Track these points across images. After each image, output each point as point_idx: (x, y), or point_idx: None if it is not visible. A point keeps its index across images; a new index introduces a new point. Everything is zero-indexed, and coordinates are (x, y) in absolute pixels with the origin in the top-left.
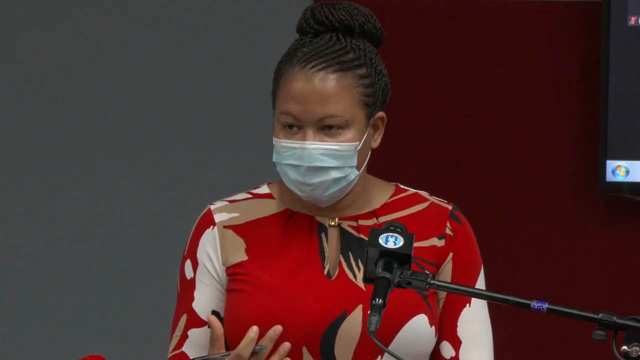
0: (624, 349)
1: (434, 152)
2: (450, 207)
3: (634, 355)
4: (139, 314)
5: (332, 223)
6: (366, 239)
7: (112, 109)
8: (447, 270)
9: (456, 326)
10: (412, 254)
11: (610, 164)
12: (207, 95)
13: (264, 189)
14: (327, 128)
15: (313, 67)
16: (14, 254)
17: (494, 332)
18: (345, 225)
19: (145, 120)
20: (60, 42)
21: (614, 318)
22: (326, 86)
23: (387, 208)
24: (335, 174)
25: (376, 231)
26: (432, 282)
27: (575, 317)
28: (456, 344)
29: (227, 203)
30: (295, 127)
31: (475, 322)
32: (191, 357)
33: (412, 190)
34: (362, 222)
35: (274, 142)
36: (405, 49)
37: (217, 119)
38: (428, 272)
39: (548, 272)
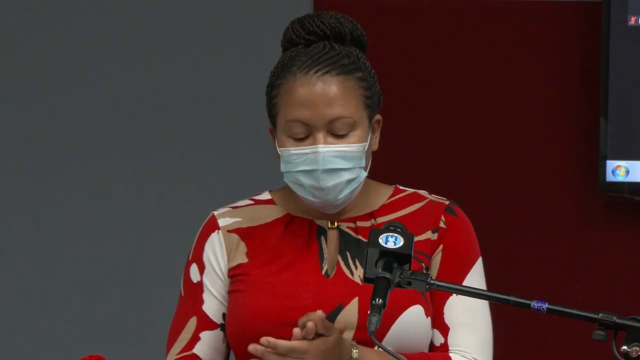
0: (624, 349)
1: (434, 152)
2: (447, 202)
3: (634, 355)
4: (139, 314)
5: (331, 226)
6: (364, 240)
7: (113, 111)
8: (436, 262)
9: (442, 313)
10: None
11: (610, 164)
12: (209, 99)
13: (265, 196)
14: (335, 131)
15: (316, 72)
16: (15, 254)
17: (494, 332)
18: (344, 227)
19: (149, 123)
20: (60, 43)
21: (614, 318)
22: (331, 89)
23: (385, 209)
24: (347, 176)
25: (376, 231)
26: (432, 282)
27: (575, 317)
28: (444, 330)
29: (230, 209)
30: (303, 135)
31: (464, 309)
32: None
33: (410, 190)
34: (360, 224)
35: (280, 152)
36: (406, 49)
37: (220, 122)
38: (423, 265)
39: (548, 272)
